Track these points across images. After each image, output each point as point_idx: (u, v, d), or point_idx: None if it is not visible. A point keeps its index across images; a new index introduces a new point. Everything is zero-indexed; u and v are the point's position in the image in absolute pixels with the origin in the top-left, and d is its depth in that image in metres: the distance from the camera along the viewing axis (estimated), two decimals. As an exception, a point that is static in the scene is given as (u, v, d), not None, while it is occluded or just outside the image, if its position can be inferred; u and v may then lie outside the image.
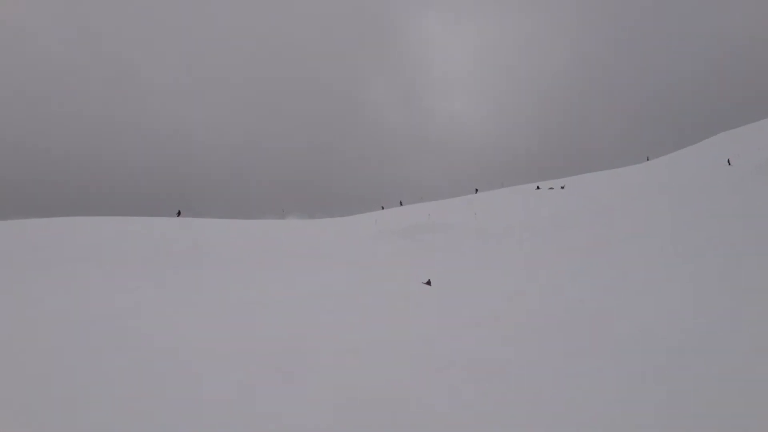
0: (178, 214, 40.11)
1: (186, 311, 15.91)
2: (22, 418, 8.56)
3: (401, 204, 48.83)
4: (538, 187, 47.05)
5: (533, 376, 10.75)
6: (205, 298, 18.13)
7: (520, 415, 9.10)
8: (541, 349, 12.46)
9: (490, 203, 42.46)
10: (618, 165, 58.12)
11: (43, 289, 17.56)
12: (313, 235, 34.13)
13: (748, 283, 15.02)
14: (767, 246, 18.52)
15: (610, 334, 12.96)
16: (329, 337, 13.84)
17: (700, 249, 19.70)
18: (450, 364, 11.71)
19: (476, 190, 52.11)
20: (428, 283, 20.68)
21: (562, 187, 45.11)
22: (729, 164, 40.66)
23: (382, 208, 47.65)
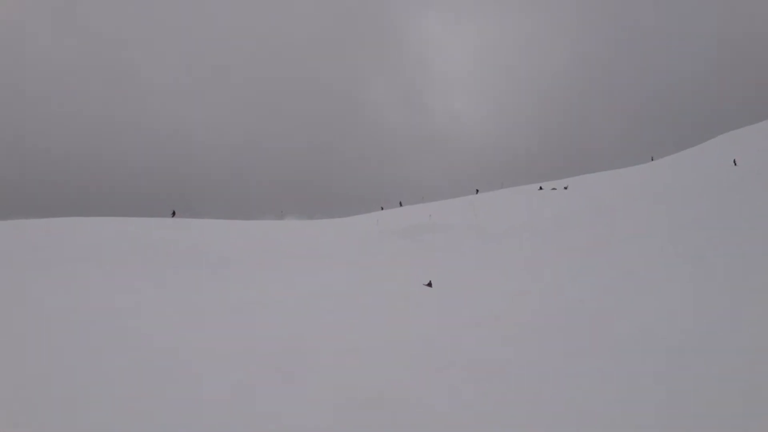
0: (173, 214, 39.54)
1: (185, 311, 15.92)
2: (22, 418, 8.56)
3: (401, 204, 48.45)
4: (540, 188, 46.48)
5: (533, 376, 10.75)
6: (205, 298, 18.14)
7: (520, 415, 9.10)
8: (541, 349, 12.45)
9: (492, 204, 42.20)
10: (620, 165, 57.53)
11: (42, 289, 17.56)
12: (312, 236, 34.12)
13: (749, 283, 15.02)
14: None
15: (611, 335, 12.95)
16: (329, 338, 13.84)
17: (702, 249, 19.71)
18: (450, 364, 11.71)
19: (477, 190, 51.66)
20: (429, 284, 20.63)
21: (566, 188, 44.63)
22: (735, 164, 40.35)
23: (382, 208, 47.30)
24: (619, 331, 13.06)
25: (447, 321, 15.66)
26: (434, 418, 9.06)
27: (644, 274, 18.43)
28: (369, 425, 8.79)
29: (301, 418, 9.01)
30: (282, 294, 19.35)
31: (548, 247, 26.21)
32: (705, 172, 40.86)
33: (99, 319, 14.38)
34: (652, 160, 57.64)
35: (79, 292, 17.64)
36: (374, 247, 30.01)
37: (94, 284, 19.03)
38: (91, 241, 26.50)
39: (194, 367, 11.16)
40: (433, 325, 15.27)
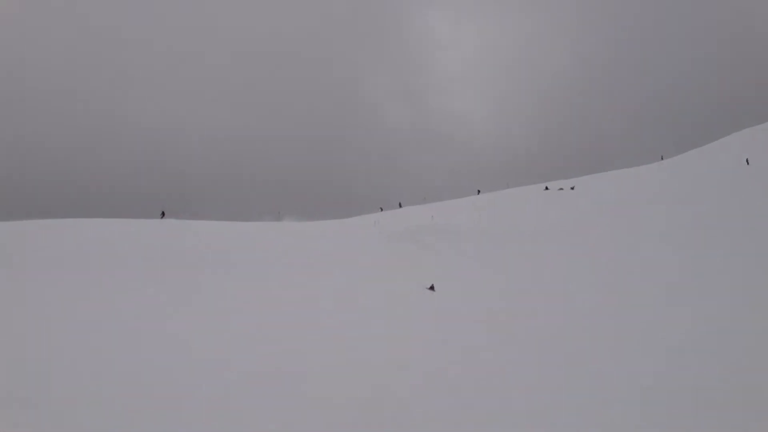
0: (162, 215, 38.61)
1: (185, 313, 15.90)
2: (22, 418, 8.55)
3: (400, 206, 47.79)
4: (546, 188, 45.55)
5: (533, 377, 10.74)
6: (204, 301, 18.10)
7: (520, 416, 9.09)
8: (542, 350, 12.46)
9: (496, 205, 41.60)
10: (620, 165, 56.48)
11: (42, 290, 17.55)
12: (312, 239, 33.93)
13: (750, 282, 15.02)
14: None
15: (611, 335, 12.96)
16: (329, 339, 13.83)
17: (705, 250, 19.68)
18: (450, 365, 11.71)
19: (478, 191, 51.10)
20: (431, 288, 20.49)
21: (572, 188, 43.73)
22: (747, 163, 39.84)
23: (381, 209, 46.72)
24: (619, 332, 13.08)
25: (448, 323, 15.67)
26: (434, 418, 9.05)
27: (647, 275, 18.42)
28: (369, 425, 8.79)
29: (302, 418, 9.01)
30: (282, 297, 19.32)
31: (553, 248, 25.97)
32: (718, 171, 39.98)
33: (98, 319, 14.36)
34: (662, 159, 56.68)
35: (79, 293, 17.61)
36: (375, 249, 29.84)
37: (94, 286, 19.00)
38: (89, 243, 26.47)
39: (194, 368, 11.14)
40: (433, 326, 15.29)
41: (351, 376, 11.02)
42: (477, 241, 29.99)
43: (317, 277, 23.35)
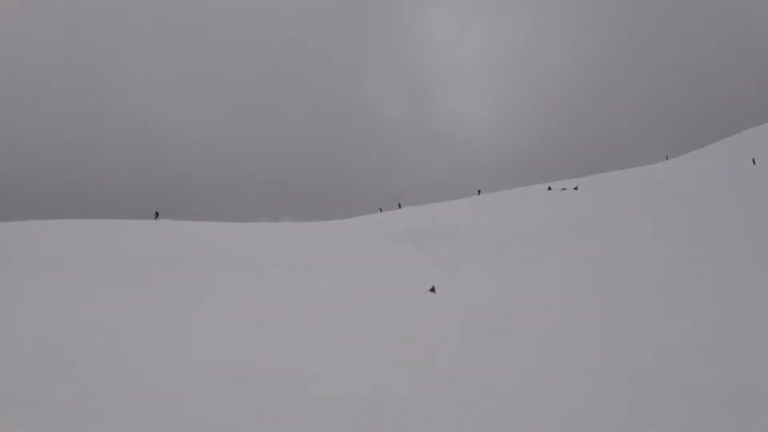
0: (156, 215, 38.13)
1: (185, 313, 15.90)
2: (22, 418, 8.56)
3: (399, 206, 47.50)
4: (549, 188, 45.13)
5: (533, 377, 10.75)
6: (204, 300, 18.10)
7: (520, 416, 9.10)
8: (542, 350, 12.46)
9: (499, 205, 41.29)
10: (623, 165, 55.95)
11: (42, 292, 17.55)
12: (312, 238, 33.89)
13: (750, 282, 15.02)
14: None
15: (611, 336, 12.96)
16: (329, 339, 13.84)
17: (705, 251, 19.67)
18: (450, 365, 11.72)
19: (479, 191, 50.77)
20: (432, 290, 20.45)
21: (575, 188, 43.34)
22: (754, 163, 39.58)
23: (380, 210, 46.44)
24: (619, 332, 13.08)
25: (448, 323, 15.68)
26: (434, 418, 9.06)
27: (648, 277, 18.42)
28: (369, 425, 8.79)
29: (302, 418, 9.01)
30: (282, 297, 19.33)
31: (554, 251, 25.83)
32: (721, 171, 39.60)
33: (98, 320, 14.37)
34: (667, 159, 56.29)
35: (79, 293, 17.61)
36: (376, 251, 29.75)
37: (94, 286, 19.00)
38: (89, 243, 26.47)
39: (194, 368, 11.15)
40: (433, 327, 15.30)
41: (351, 376, 11.02)
42: (477, 241, 29.93)
43: (317, 277, 23.35)
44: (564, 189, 43.10)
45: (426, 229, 33.04)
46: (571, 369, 11.02)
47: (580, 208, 35.26)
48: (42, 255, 23.24)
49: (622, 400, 9.34)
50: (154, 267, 22.88)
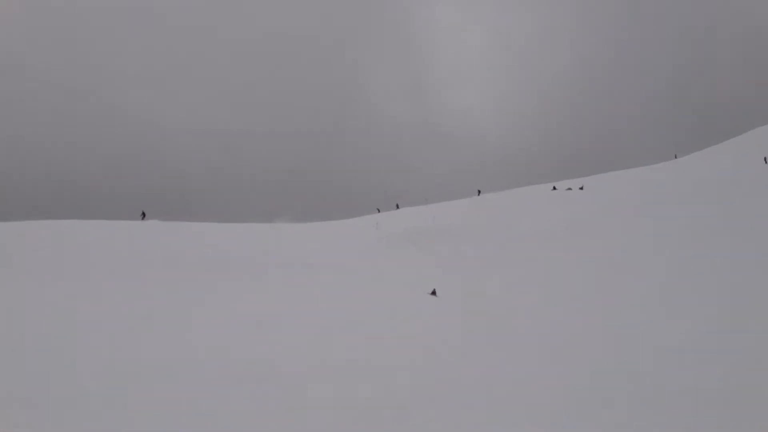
0: (143, 216, 37.64)
1: (185, 313, 15.90)
2: (22, 418, 8.56)
3: (397, 207, 47.23)
4: (554, 188, 44.71)
5: (533, 377, 10.75)
6: (203, 301, 18.11)
7: (520, 416, 9.11)
8: (542, 350, 12.47)
9: (496, 205, 41.10)
10: (624, 166, 55.70)
11: (42, 292, 17.56)
12: (312, 239, 33.87)
13: (750, 282, 15.03)
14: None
15: (611, 336, 12.97)
16: (329, 339, 13.84)
17: (706, 251, 19.66)
18: (450, 365, 11.72)
19: (479, 191, 50.46)
20: (433, 293, 20.36)
21: (581, 188, 42.89)
22: (766, 162, 39.44)
23: (378, 210, 46.19)
24: (619, 333, 13.09)
25: (447, 323, 15.69)
26: (434, 418, 9.06)
27: (649, 278, 18.42)
28: (369, 425, 8.79)
29: (302, 418, 9.02)
30: (281, 297, 19.33)
31: (554, 251, 25.75)
32: (724, 172, 39.44)
33: (98, 320, 14.37)
34: (676, 158, 56.05)
35: (79, 293, 17.62)
36: (376, 252, 29.71)
37: (94, 286, 19.01)
38: (89, 243, 26.48)
39: (194, 368, 11.16)
40: (433, 327, 15.31)
41: (351, 376, 11.03)
42: (477, 241, 29.89)
43: (317, 277, 23.36)
44: (569, 189, 42.60)
45: (426, 229, 32.98)
46: (571, 369, 11.02)
47: (581, 208, 35.06)
48: (42, 255, 23.25)
49: (622, 400, 9.34)
50: (154, 267, 22.88)
